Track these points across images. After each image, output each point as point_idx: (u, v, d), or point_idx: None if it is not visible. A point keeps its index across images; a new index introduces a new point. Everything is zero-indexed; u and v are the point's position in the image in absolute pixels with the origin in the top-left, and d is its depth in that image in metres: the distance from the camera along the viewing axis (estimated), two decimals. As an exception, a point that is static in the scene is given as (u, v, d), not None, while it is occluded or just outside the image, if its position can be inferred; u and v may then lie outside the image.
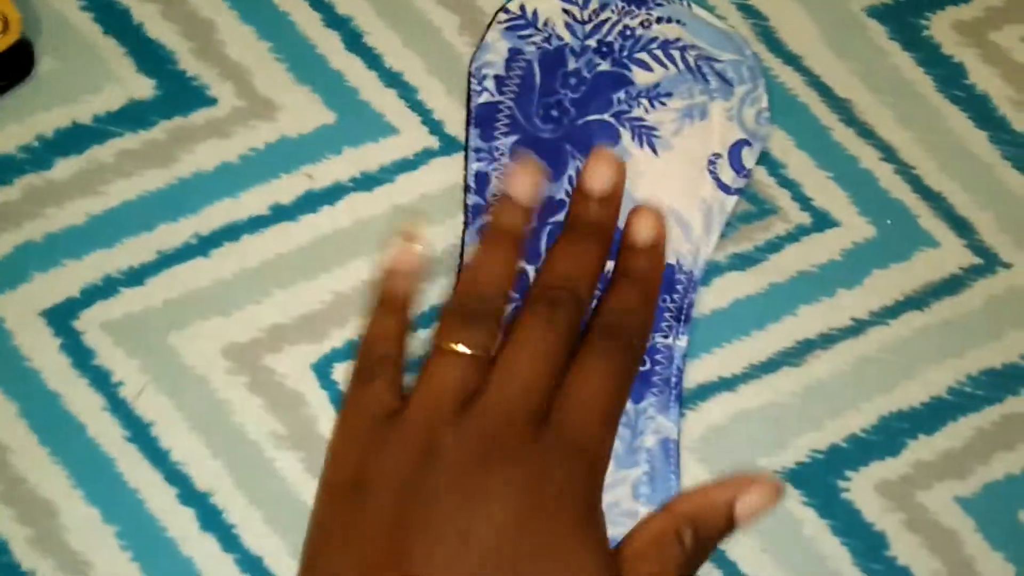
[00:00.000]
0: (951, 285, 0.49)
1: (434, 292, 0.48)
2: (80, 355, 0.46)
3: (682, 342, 0.46)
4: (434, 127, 0.50)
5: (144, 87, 0.49)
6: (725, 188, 0.48)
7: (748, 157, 0.49)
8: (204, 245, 0.48)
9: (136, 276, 0.47)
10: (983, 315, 0.49)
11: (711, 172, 0.48)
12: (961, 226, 0.50)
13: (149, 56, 0.49)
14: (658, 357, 0.46)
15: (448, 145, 0.50)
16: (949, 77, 0.52)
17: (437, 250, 0.48)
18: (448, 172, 0.50)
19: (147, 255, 0.48)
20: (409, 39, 0.51)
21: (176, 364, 0.47)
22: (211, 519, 0.45)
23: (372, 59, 0.50)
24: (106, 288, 0.47)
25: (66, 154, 0.48)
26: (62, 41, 0.49)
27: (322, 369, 0.48)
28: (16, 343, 0.46)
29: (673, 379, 0.46)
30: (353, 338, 0.48)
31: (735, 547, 0.46)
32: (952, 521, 0.47)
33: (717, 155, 0.48)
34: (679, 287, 0.47)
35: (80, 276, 0.47)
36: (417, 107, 0.50)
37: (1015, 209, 0.50)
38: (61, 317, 0.47)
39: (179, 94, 0.49)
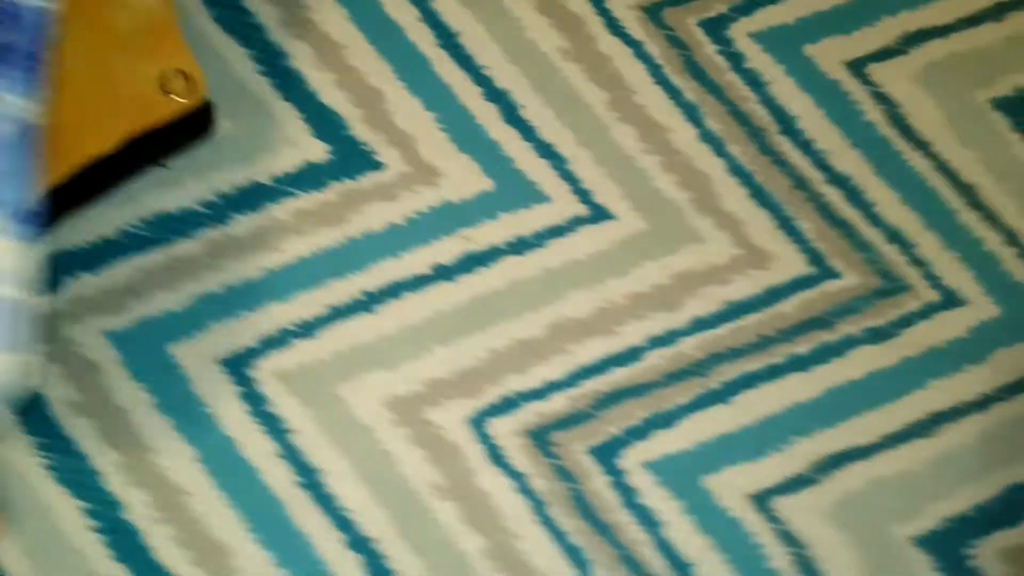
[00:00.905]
0: None
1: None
2: (255, 402, 0.47)
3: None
4: (584, 196, 0.51)
5: (318, 151, 0.51)
6: None
7: None
8: (370, 301, 0.49)
9: (308, 328, 0.48)
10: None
11: None
12: None
13: (324, 122, 0.50)
14: None
15: (597, 214, 0.51)
16: None
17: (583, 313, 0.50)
18: (597, 239, 0.51)
19: (318, 309, 0.49)
20: (561, 112, 0.52)
21: (344, 414, 0.48)
22: (377, 566, 0.45)
23: (527, 131, 0.52)
24: (280, 339, 0.48)
25: (244, 211, 0.49)
26: (241, 104, 0.50)
27: (478, 423, 0.48)
28: (195, 390, 0.47)
29: (28, 48, 0.36)
30: (506, 395, 0.50)
31: None
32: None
33: None
34: None
35: (256, 327, 0.48)
36: (568, 177, 0.52)
37: None
38: (238, 365, 0.48)
39: (350, 158, 0.50)
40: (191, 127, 0.49)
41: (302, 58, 0.51)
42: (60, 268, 0.48)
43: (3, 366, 0.39)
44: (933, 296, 0.50)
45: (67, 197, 0.47)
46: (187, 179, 0.49)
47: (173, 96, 0.48)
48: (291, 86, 0.51)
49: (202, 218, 0.49)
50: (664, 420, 0.48)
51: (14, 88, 0.42)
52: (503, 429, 0.48)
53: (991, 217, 0.51)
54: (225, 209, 0.49)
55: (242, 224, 0.49)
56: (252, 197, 0.49)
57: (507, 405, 0.48)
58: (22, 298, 0.40)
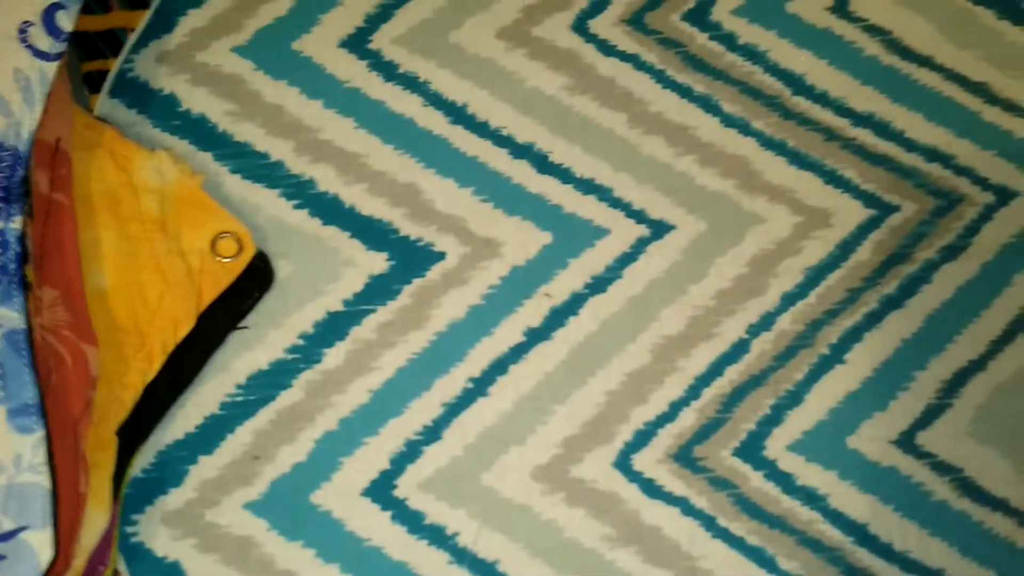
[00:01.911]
0: None
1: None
2: (411, 520, 0.47)
3: (16, 224, 0.41)
4: (639, 217, 0.52)
5: (378, 262, 0.51)
6: (43, 56, 0.43)
7: (65, 20, 0.44)
8: (480, 386, 0.49)
9: (432, 433, 0.48)
10: None
11: (23, 41, 0.43)
12: None
13: (372, 232, 0.50)
14: None
15: (657, 229, 0.52)
16: None
17: (675, 329, 0.50)
18: (666, 253, 0.51)
19: (434, 411, 0.49)
20: (588, 146, 0.53)
21: (497, 501, 0.48)
22: (583, 631, 0.47)
23: (563, 174, 0.52)
24: (410, 452, 0.48)
25: (331, 343, 0.49)
26: (290, 243, 0.50)
27: (623, 465, 0.49)
28: (350, 528, 0.47)
29: (11, 265, 0.41)
30: (638, 428, 0.51)
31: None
32: None
33: (28, 23, 0.43)
34: (3, 165, 0.42)
35: (384, 448, 0.48)
36: (617, 204, 0.52)
37: None
38: (381, 491, 0.48)
39: (410, 258, 0.50)
40: (253, 282, 0.49)
41: (328, 179, 0.51)
42: (179, 459, 0.47)
43: (33, 544, 0.40)
44: (988, 198, 0.52)
45: (166, 390, 0.47)
46: (268, 332, 0.49)
47: (227, 259, 0.48)
48: (329, 210, 0.50)
49: (295, 364, 0.49)
50: (792, 400, 0.49)
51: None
52: (648, 461, 0.48)
53: (1011, 107, 0.53)
54: (313, 348, 0.49)
55: (333, 356, 0.49)
56: (333, 327, 0.49)
57: (643, 438, 0.49)
58: (36, 481, 0.40)
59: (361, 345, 0.49)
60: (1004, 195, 0.52)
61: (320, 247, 0.50)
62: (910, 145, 0.52)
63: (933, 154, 0.52)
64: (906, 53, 0.54)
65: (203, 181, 0.49)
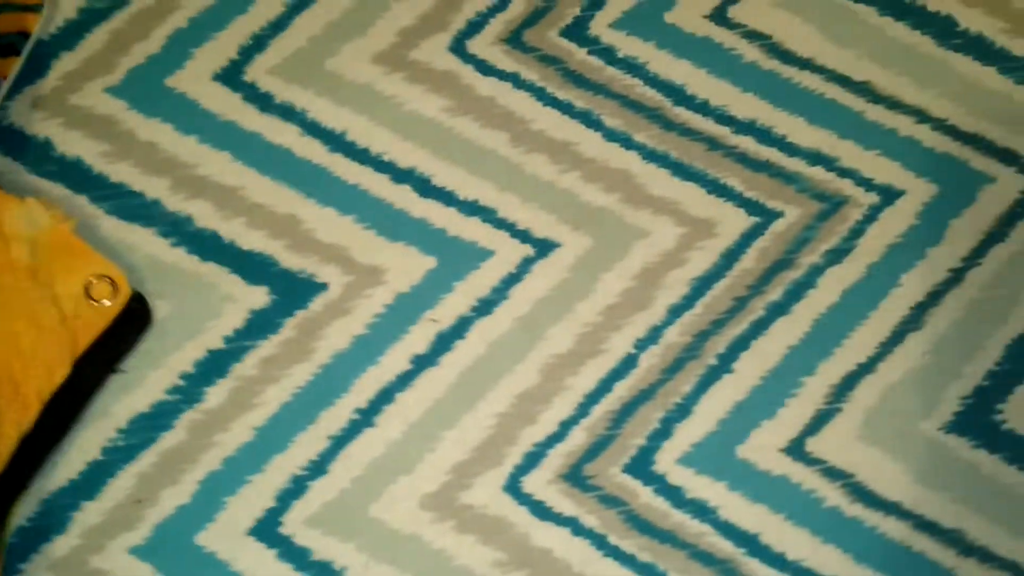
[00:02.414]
0: (1019, 210, 0.51)
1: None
2: (297, 557, 0.46)
3: None
4: (524, 236, 0.51)
5: (258, 296, 0.50)
6: None
7: None
8: (367, 416, 0.48)
9: (318, 467, 0.47)
10: (1057, 226, 0.52)
11: None
12: (1007, 156, 0.52)
13: (252, 266, 0.49)
14: None
15: (542, 248, 0.51)
16: (943, 30, 0.54)
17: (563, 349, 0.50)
18: (552, 272, 0.50)
19: (320, 444, 0.48)
20: (471, 167, 0.52)
21: (386, 532, 0.47)
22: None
23: (446, 197, 0.51)
24: (296, 488, 0.47)
25: (213, 382, 0.48)
26: (168, 282, 0.49)
27: (513, 488, 0.48)
28: (236, 569, 0.46)
29: None
30: (528, 450, 0.50)
31: (927, 505, 0.48)
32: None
33: None
34: None
35: (269, 485, 0.47)
36: (502, 224, 0.51)
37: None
38: (267, 529, 0.47)
39: (292, 290, 0.49)
40: (130, 324, 0.48)
41: (206, 215, 0.50)
42: (63, 506, 0.47)
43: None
44: (872, 199, 0.51)
45: (42, 439, 0.46)
46: (147, 374, 0.48)
47: (102, 302, 0.47)
48: (207, 246, 0.50)
49: (176, 404, 0.48)
50: (680, 412, 0.49)
51: None
52: (538, 483, 0.48)
53: (895, 104, 0.52)
54: (194, 387, 0.48)
55: (215, 394, 0.48)
56: (215, 365, 0.49)
57: (533, 459, 0.48)
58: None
59: (243, 382, 0.49)
60: (889, 195, 0.51)
61: (199, 284, 0.50)
62: (792, 150, 0.52)
63: (816, 157, 0.52)
64: (787, 57, 0.53)
65: (75, 225, 0.48)
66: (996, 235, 0.50)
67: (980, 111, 0.52)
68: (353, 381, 0.49)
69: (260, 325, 0.49)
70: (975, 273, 0.50)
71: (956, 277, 0.50)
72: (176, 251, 0.50)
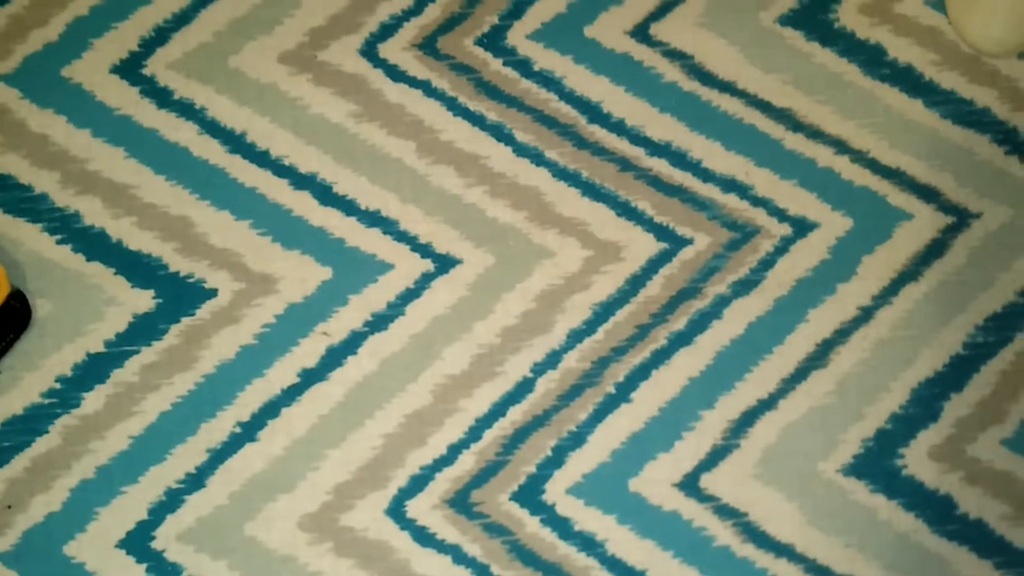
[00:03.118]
0: (935, 249, 0.50)
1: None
2: (168, 574, 0.45)
3: None
4: (424, 251, 0.50)
5: (143, 300, 0.48)
6: None
7: None
8: (249, 430, 0.47)
9: (195, 480, 0.46)
10: (971, 267, 0.49)
11: None
12: (926, 193, 0.51)
13: (138, 269, 0.48)
14: None
15: (443, 264, 0.49)
16: (872, 59, 0.53)
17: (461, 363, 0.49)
18: (451, 289, 0.49)
19: (199, 457, 0.46)
20: (374, 176, 0.50)
21: (261, 551, 0.45)
22: None
23: (347, 206, 0.49)
24: (171, 501, 0.46)
25: (91, 387, 0.47)
26: (51, 281, 0.47)
27: (396, 512, 0.47)
28: None
29: None
30: (414, 473, 0.49)
31: (820, 549, 0.47)
32: (1005, 464, 0.47)
33: None
34: None
35: (143, 497, 0.46)
36: (403, 237, 0.50)
37: (968, 162, 0.50)
38: (138, 542, 0.45)
39: (179, 296, 0.48)
40: (8, 322, 0.46)
41: (95, 212, 0.48)
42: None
43: None
44: (785, 230, 0.50)
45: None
46: (23, 375, 0.46)
47: (-25, 300, 0.45)
48: (94, 244, 0.48)
49: (51, 408, 0.46)
50: (574, 441, 0.47)
51: None
52: (423, 508, 0.46)
53: (815, 134, 0.51)
54: (71, 392, 0.47)
55: (93, 400, 0.47)
56: (94, 369, 0.47)
57: (419, 483, 0.47)
58: None
59: (123, 388, 0.47)
60: (802, 227, 0.50)
61: (82, 284, 0.48)
62: (707, 175, 0.50)
63: (730, 184, 0.50)
64: (708, 79, 0.52)
65: (-48, 217, 0.46)
66: (909, 274, 0.49)
67: (903, 144, 0.51)
68: (237, 393, 0.47)
69: (144, 330, 0.47)
70: (885, 312, 0.49)
71: (865, 315, 0.49)
72: (61, 249, 0.48)
